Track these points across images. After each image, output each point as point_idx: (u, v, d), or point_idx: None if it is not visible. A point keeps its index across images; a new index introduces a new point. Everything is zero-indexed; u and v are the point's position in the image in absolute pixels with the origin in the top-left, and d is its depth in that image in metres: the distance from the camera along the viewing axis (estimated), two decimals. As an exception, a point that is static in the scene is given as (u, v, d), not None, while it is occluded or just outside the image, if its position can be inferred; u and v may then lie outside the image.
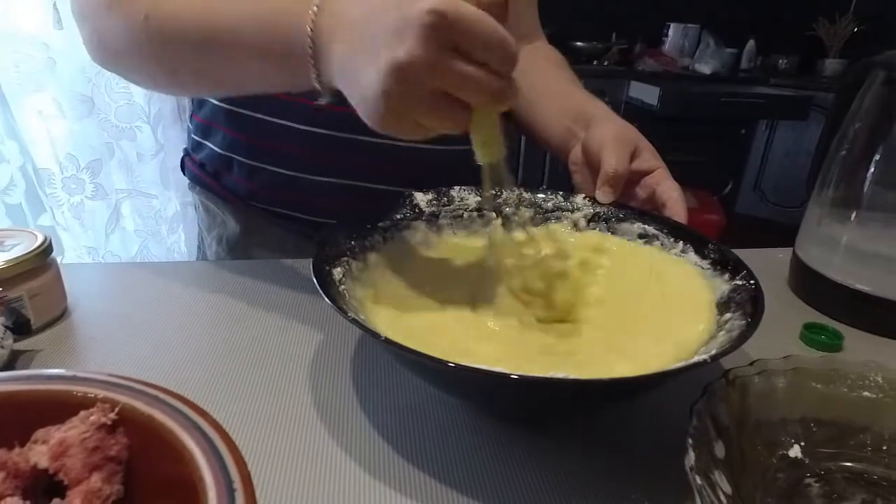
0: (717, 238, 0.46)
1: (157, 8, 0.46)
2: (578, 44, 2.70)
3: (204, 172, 0.71)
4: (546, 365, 0.38)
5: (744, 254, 0.44)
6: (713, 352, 0.32)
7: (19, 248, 0.46)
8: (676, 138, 1.88)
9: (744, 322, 0.36)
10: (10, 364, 0.42)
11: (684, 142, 2.32)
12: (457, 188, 0.54)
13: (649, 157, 0.56)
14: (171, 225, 1.73)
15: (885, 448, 0.35)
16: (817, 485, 0.34)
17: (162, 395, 0.24)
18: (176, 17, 0.45)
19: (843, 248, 0.55)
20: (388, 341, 0.32)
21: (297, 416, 0.39)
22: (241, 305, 0.53)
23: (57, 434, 0.23)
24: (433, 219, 0.52)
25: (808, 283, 0.58)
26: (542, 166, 2.58)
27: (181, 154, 0.77)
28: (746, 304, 0.38)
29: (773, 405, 0.36)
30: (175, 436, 0.22)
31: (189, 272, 0.60)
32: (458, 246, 0.52)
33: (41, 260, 0.47)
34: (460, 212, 0.53)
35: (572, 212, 0.54)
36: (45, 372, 0.26)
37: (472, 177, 0.52)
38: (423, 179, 0.54)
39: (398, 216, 0.51)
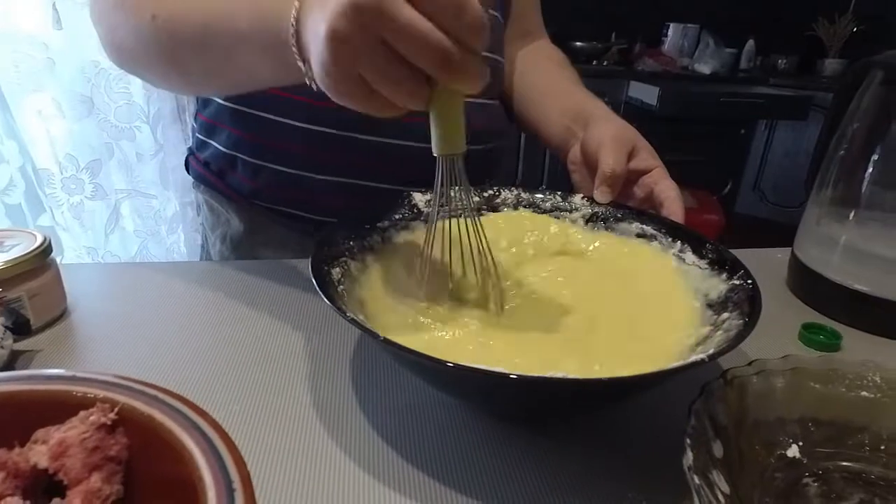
0: (716, 238, 0.47)
1: (162, 7, 0.47)
2: (578, 44, 2.69)
3: (208, 171, 0.72)
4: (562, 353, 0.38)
5: (742, 254, 0.44)
6: (711, 351, 0.32)
7: (19, 248, 0.46)
8: (676, 138, 1.88)
9: (741, 322, 0.36)
10: (9, 364, 0.42)
11: (684, 142, 2.33)
12: (455, 188, 0.54)
13: (647, 157, 0.56)
14: (170, 225, 1.73)
15: (882, 448, 0.35)
16: (815, 484, 0.34)
17: (161, 395, 0.24)
18: (178, 15, 0.46)
19: (842, 247, 0.55)
20: (386, 341, 0.32)
21: (297, 416, 0.39)
22: (241, 305, 0.53)
23: (57, 434, 0.23)
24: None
25: (807, 283, 0.59)
26: (541, 166, 2.58)
27: (181, 154, 0.78)
28: (744, 303, 0.38)
29: (771, 405, 0.36)
30: (174, 436, 0.22)
31: (188, 272, 0.60)
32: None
33: (41, 260, 0.47)
34: (459, 212, 0.53)
35: (570, 212, 0.54)
36: (45, 372, 0.26)
37: (479, 176, 0.51)
38: (427, 178, 0.54)
39: (397, 216, 0.51)
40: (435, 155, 0.39)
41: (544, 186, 0.56)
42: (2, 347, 0.41)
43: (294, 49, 0.38)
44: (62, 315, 0.50)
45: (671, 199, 0.53)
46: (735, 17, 2.95)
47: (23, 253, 0.46)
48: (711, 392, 0.34)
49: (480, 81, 0.34)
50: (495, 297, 0.45)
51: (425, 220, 0.51)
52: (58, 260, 0.51)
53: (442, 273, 0.46)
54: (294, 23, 0.37)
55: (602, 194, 0.53)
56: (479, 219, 0.44)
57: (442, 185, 0.40)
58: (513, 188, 0.56)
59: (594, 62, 2.76)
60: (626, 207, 0.53)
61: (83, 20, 1.40)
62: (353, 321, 0.34)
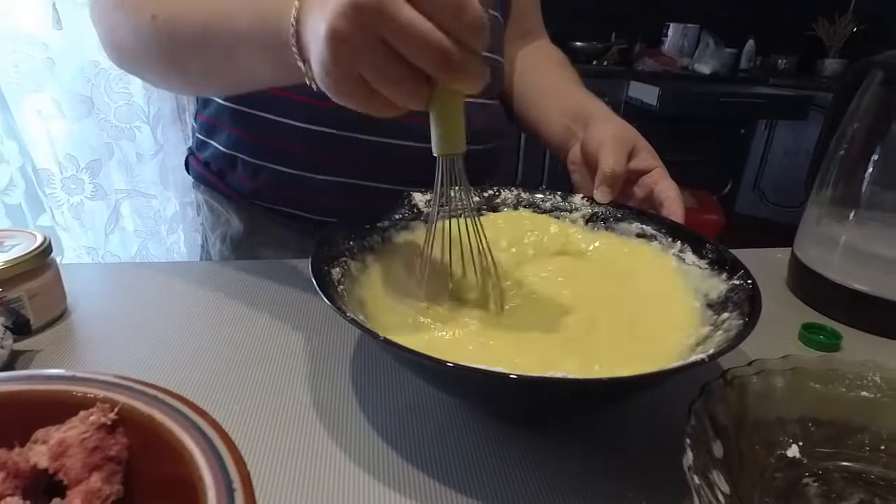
0: (716, 238, 0.47)
1: (162, 7, 0.47)
2: (578, 44, 2.70)
3: (208, 171, 0.72)
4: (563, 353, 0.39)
5: (742, 254, 0.44)
6: (711, 351, 0.32)
7: (19, 248, 0.46)
8: (676, 138, 1.88)
9: (741, 322, 0.36)
10: (9, 364, 0.42)
11: (684, 142, 2.33)
12: (455, 188, 0.54)
13: (647, 157, 0.56)
14: (170, 225, 1.73)
15: (882, 448, 0.35)
16: (815, 484, 0.34)
17: (161, 395, 0.24)
18: (178, 15, 0.46)
19: (842, 247, 0.55)
20: (386, 341, 0.32)
21: (297, 416, 0.39)
22: (240, 305, 0.53)
23: (57, 434, 0.23)
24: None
25: (807, 283, 0.59)
26: (541, 166, 2.58)
27: (181, 154, 0.78)
28: (744, 303, 0.38)
29: (771, 405, 0.36)
30: (174, 436, 0.22)
31: (188, 272, 0.60)
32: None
33: (41, 260, 0.47)
34: (459, 212, 0.53)
35: (570, 212, 0.54)
36: (45, 372, 0.26)
37: (479, 175, 0.51)
38: (427, 178, 0.54)
39: (396, 216, 0.51)
40: (435, 155, 0.39)
41: (544, 186, 0.56)
42: (2, 347, 0.41)
43: (294, 49, 0.38)
44: (62, 315, 0.50)
45: (671, 199, 0.53)
46: (735, 17, 2.95)
47: (23, 253, 0.46)
48: (711, 392, 0.34)
49: (480, 81, 0.34)
50: (495, 297, 0.45)
51: (425, 220, 0.51)
52: (58, 260, 0.51)
53: (442, 273, 0.46)
54: (294, 23, 0.37)
55: (602, 194, 0.53)
56: (479, 219, 0.44)
57: (442, 184, 0.40)
58: (513, 188, 0.56)
59: (594, 62, 2.76)
60: (626, 207, 0.53)
61: (83, 20, 1.40)
62: (353, 321, 0.34)
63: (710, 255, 0.46)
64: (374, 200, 0.51)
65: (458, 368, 0.31)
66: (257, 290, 0.56)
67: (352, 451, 0.37)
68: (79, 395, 0.24)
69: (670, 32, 2.89)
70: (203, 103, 0.71)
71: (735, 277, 0.42)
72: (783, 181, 2.89)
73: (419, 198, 0.53)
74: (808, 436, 0.36)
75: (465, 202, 0.42)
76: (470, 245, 0.44)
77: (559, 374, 0.32)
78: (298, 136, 0.63)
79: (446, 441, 0.38)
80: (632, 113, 2.51)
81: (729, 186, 2.87)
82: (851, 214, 0.55)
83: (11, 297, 0.45)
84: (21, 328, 0.45)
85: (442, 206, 0.42)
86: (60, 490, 0.23)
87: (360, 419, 0.39)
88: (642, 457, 0.37)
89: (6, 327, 0.43)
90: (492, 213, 0.54)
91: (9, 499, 0.22)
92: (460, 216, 0.44)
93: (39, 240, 0.48)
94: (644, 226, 0.51)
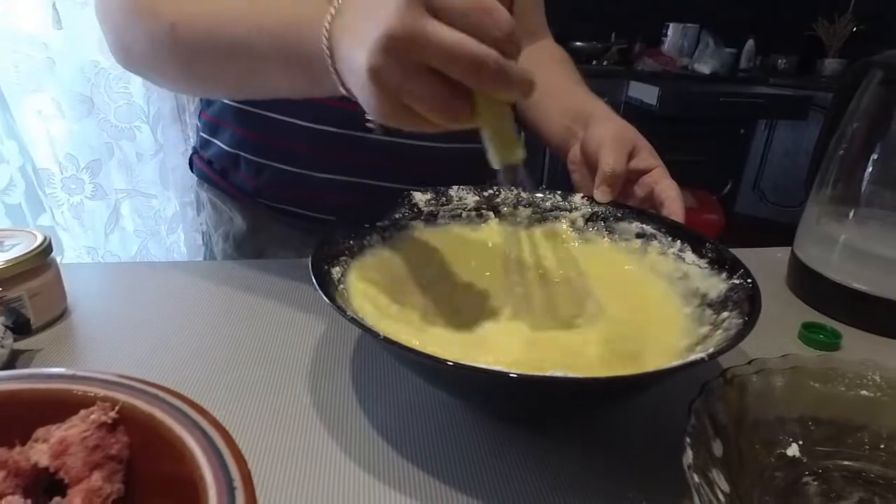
0: (716, 238, 0.47)
1: (181, 17, 0.46)
2: (578, 44, 2.69)
3: (212, 170, 0.72)
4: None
5: (742, 253, 0.44)
6: (711, 350, 0.33)
7: (19, 248, 0.46)
8: (676, 138, 1.88)
9: (741, 321, 0.36)
10: (10, 364, 0.42)
11: (683, 141, 2.32)
12: (455, 188, 0.54)
13: (647, 156, 0.56)
14: (170, 225, 1.73)
15: (882, 447, 0.35)
16: (815, 483, 0.34)
17: (162, 394, 0.24)
18: (200, 28, 0.45)
19: (842, 247, 0.55)
20: (386, 340, 0.32)
21: (297, 415, 0.40)
22: (241, 305, 0.53)
23: (57, 433, 0.23)
24: (431, 218, 0.52)
25: (807, 283, 0.59)
26: (541, 166, 2.58)
27: (180, 154, 0.78)
28: (744, 302, 0.38)
29: (771, 404, 0.36)
30: (175, 434, 0.23)
31: (188, 272, 0.60)
32: (457, 243, 0.52)
33: (41, 260, 0.47)
34: (459, 211, 0.53)
35: (570, 211, 0.54)
36: (46, 371, 0.26)
37: (480, 174, 0.51)
38: (430, 177, 0.54)
39: (396, 215, 0.51)
40: (495, 168, 0.39)
41: (544, 186, 0.56)
42: (2, 347, 0.41)
43: (336, 79, 0.38)
44: (62, 315, 0.50)
45: (671, 199, 0.53)
46: (735, 16, 2.95)
47: (23, 253, 0.46)
48: (711, 391, 0.34)
49: (525, 85, 0.34)
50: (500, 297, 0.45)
51: (425, 220, 0.52)
52: (58, 260, 0.51)
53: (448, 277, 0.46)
54: (328, 50, 0.37)
55: (602, 194, 0.53)
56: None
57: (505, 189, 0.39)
58: (512, 188, 0.56)
59: (594, 62, 2.76)
60: (626, 207, 0.53)
61: (83, 20, 1.40)
62: (353, 320, 0.34)
63: (709, 255, 0.46)
64: (378, 199, 0.51)
65: (458, 367, 0.31)
66: (257, 290, 0.56)
67: (352, 450, 0.37)
68: (79, 393, 0.24)
69: (670, 32, 2.89)
70: (206, 102, 0.71)
71: (735, 277, 0.42)
72: (783, 181, 2.89)
73: (419, 197, 0.53)
74: (808, 435, 0.36)
75: (511, 197, 0.41)
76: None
77: (559, 374, 0.32)
78: (302, 134, 0.63)
79: (446, 440, 0.38)
80: (632, 113, 2.51)
81: (729, 186, 2.87)
82: (851, 214, 0.55)
83: (12, 297, 0.45)
84: (21, 328, 0.46)
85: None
86: (61, 489, 0.23)
87: (360, 418, 0.39)
88: (642, 457, 0.37)
89: (6, 327, 0.43)
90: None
91: (9, 497, 0.22)
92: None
93: (39, 239, 0.48)
94: (644, 225, 0.51)
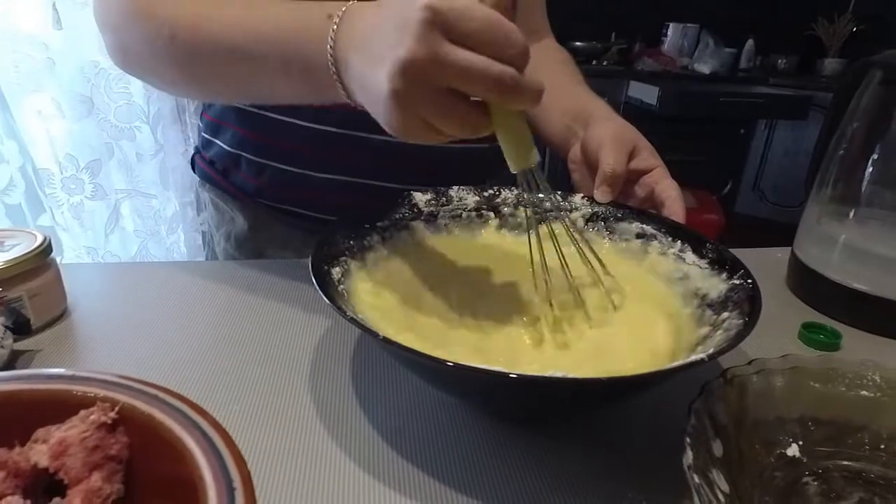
0: (716, 238, 0.47)
1: (179, 19, 0.46)
2: (578, 44, 2.69)
3: (213, 170, 0.72)
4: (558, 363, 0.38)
5: (742, 253, 0.44)
6: (711, 350, 0.32)
7: (19, 248, 0.46)
8: (675, 138, 1.88)
9: (741, 321, 0.36)
10: (10, 364, 0.43)
11: (683, 141, 2.32)
12: (455, 188, 0.54)
13: (648, 156, 0.56)
14: (170, 225, 1.73)
15: (882, 447, 0.35)
16: (815, 483, 0.34)
17: (162, 395, 0.24)
18: (200, 35, 0.45)
19: (842, 247, 0.55)
20: (386, 340, 0.32)
21: (297, 416, 0.39)
22: (241, 305, 0.53)
23: (57, 433, 0.23)
24: (431, 218, 0.52)
25: (807, 283, 0.59)
26: (541, 166, 2.57)
27: (180, 154, 0.78)
28: (744, 303, 0.38)
29: (771, 404, 0.36)
30: (175, 435, 0.23)
31: (188, 272, 0.60)
32: (457, 243, 0.52)
33: (41, 260, 0.47)
34: (459, 211, 0.53)
35: (570, 211, 0.54)
36: (45, 371, 0.26)
37: (480, 175, 0.51)
38: (431, 177, 0.54)
39: (397, 216, 0.51)
40: (513, 172, 0.40)
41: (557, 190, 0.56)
42: (2, 347, 0.41)
43: (342, 91, 0.39)
44: (62, 315, 0.50)
45: (672, 199, 0.53)
46: (735, 16, 2.95)
47: (23, 253, 0.46)
48: (711, 391, 0.34)
49: (530, 94, 0.35)
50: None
51: (425, 220, 0.52)
52: (58, 260, 0.51)
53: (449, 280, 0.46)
54: (332, 59, 0.38)
55: (602, 194, 0.53)
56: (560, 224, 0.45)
57: (525, 193, 0.42)
58: (513, 188, 0.56)
59: (594, 62, 2.76)
60: (627, 207, 0.53)
61: (83, 20, 1.40)
62: (353, 320, 0.34)
63: (710, 255, 0.45)
64: (379, 199, 0.51)
65: (458, 368, 0.31)
66: (257, 290, 0.56)
67: (352, 450, 0.37)
68: (79, 394, 0.24)
69: (670, 32, 2.89)
70: (208, 103, 0.71)
71: (735, 277, 0.42)
72: (783, 181, 2.89)
73: (419, 197, 0.53)
74: (808, 435, 0.36)
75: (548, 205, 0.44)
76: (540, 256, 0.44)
77: (559, 374, 0.32)
78: (303, 135, 0.63)
79: (446, 441, 0.38)
80: (632, 113, 2.51)
81: (729, 186, 2.87)
82: (851, 214, 0.55)
83: (12, 297, 0.45)
84: (21, 328, 0.46)
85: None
86: (61, 489, 0.23)
87: (361, 419, 0.39)
88: (642, 457, 0.37)
89: (6, 327, 0.43)
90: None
91: (9, 498, 0.22)
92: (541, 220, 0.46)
93: (39, 240, 0.48)
94: (644, 225, 0.51)
